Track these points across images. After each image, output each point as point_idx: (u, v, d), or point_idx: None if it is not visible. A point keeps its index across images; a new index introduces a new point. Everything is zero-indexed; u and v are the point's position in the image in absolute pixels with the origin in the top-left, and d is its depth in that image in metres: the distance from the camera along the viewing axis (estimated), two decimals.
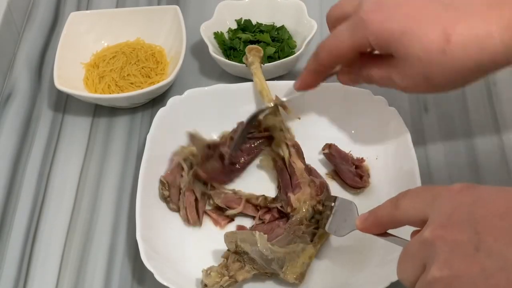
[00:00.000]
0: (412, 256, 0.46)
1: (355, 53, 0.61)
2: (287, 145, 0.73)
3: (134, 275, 0.69)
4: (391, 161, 0.74)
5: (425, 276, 0.44)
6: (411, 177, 0.69)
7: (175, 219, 0.72)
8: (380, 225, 0.54)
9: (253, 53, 0.80)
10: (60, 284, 0.69)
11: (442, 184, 0.73)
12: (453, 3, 0.56)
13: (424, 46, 0.56)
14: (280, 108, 0.75)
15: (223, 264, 0.64)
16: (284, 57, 0.84)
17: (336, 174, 0.75)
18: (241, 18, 0.89)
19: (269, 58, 0.84)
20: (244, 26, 0.89)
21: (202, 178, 0.73)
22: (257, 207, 0.72)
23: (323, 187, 0.71)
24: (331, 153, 0.75)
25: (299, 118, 0.77)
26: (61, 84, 0.80)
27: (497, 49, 0.54)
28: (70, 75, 0.84)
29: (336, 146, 0.75)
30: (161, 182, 0.72)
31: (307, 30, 0.85)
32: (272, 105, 0.74)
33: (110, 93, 0.83)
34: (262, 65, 0.80)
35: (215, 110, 0.78)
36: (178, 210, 0.72)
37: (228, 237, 0.64)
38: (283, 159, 0.74)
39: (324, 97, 0.77)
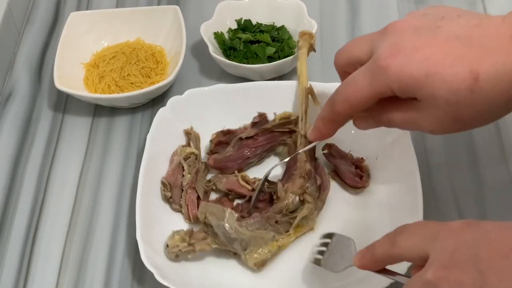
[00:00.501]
0: None
1: (375, 100, 0.58)
2: (301, 135, 0.73)
3: (134, 275, 0.69)
4: (391, 161, 0.73)
5: None
6: (411, 177, 0.69)
7: (175, 219, 0.72)
8: (377, 262, 0.54)
9: (304, 38, 0.80)
10: (60, 284, 0.69)
11: (442, 187, 0.74)
12: (472, 40, 0.53)
13: (451, 87, 0.52)
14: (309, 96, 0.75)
15: (189, 231, 0.67)
16: (284, 57, 0.84)
17: (336, 174, 0.75)
18: (241, 18, 0.89)
19: (269, 58, 0.84)
20: (244, 26, 0.89)
21: (211, 165, 0.74)
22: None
23: (310, 175, 0.71)
24: (331, 153, 0.75)
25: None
26: (61, 84, 0.80)
27: None
28: (70, 75, 0.84)
29: (336, 146, 0.75)
30: (162, 183, 0.72)
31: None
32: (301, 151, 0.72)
33: (110, 93, 0.83)
34: (313, 51, 0.81)
35: (215, 110, 0.78)
36: (181, 210, 0.72)
37: (201, 207, 0.67)
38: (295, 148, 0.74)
39: (322, 97, 0.77)
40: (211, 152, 0.76)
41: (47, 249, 0.71)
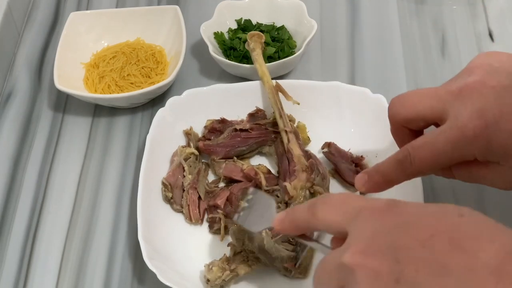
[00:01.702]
0: (330, 274, 0.44)
1: (448, 165, 0.56)
2: (286, 131, 0.73)
3: (134, 275, 0.69)
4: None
5: None
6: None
7: (176, 219, 0.72)
8: (296, 228, 0.52)
9: (254, 39, 0.81)
10: (60, 284, 0.69)
11: (442, 187, 0.74)
12: None
13: None
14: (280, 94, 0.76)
15: (224, 259, 0.65)
16: (284, 57, 0.84)
17: (336, 172, 0.75)
18: (241, 18, 0.89)
19: (269, 58, 0.84)
20: (244, 26, 0.89)
21: (200, 148, 0.74)
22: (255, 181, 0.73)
23: (313, 167, 0.71)
24: (330, 151, 0.75)
25: (299, 104, 0.77)
26: (61, 84, 0.80)
27: None
28: (70, 75, 0.84)
29: (335, 144, 0.75)
30: (163, 184, 0.72)
31: (307, 30, 0.85)
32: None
33: (110, 93, 0.83)
34: (263, 50, 0.81)
35: (214, 110, 0.78)
36: (182, 210, 0.72)
37: (235, 233, 0.64)
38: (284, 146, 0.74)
39: (322, 96, 0.77)
40: (203, 137, 0.76)
41: (47, 249, 0.71)
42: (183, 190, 0.72)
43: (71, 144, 0.81)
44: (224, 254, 0.65)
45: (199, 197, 0.72)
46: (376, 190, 0.60)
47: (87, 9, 0.96)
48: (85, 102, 0.83)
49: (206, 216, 0.72)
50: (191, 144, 0.75)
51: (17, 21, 0.93)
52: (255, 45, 0.80)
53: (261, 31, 0.87)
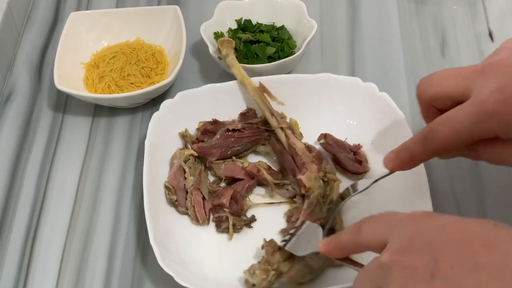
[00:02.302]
0: (369, 278, 0.46)
1: (473, 141, 0.57)
2: (281, 128, 0.73)
3: (134, 275, 0.69)
4: (388, 145, 0.74)
5: None
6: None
7: (182, 221, 0.71)
8: (341, 249, 0.54)
9: (225, 46, 0.80)
10: (60, 284, 0.69)
11: (442, 187, 0.74)
12: None
13: None
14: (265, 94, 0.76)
15: (265, 260, 0.64)
16: (284, 57, 0.84)
17: (336, 162, 0.75)
18: (241, 18, 0.89)
19: (269, 58, 0.84)
20: (244, 26, 0.89)
21: (195, 151, 0.74)
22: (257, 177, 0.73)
23: (320, 157, 0.72)
24: (327, 142, 0.75)
25: (283, 104, 0.77)
26: (61, 84, 0.80)
27: None
28: (70, 75, 0.84)
29: (331, 135, 0.76)
30: (166, 187, 0.72)
31: (307, 30, 0.85)
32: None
33: (110, 93, 0.83)
34: (235, 52, 0.81)
35: (208, 110, 0.78)
36: (187, 212, 0.72)
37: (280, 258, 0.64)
38: (281, 143, 0.74)
39: (312, 89, 0.78)
40: (197, 140, 0.76)
41: (47, 249, 0.71)
42: (186, 192, 0.72)
43: (71, 144, 0.81)
44: (263, 257, 0.65)
45: (203, 198, 0.72)
46: (403, 167, 0.61)
47: (87, 9, 0.96)
48: (85, 102, 0.83)
49: (211, 216, 0.72)
50: (189, 146, 0.75)
51: (17, 21, 0.93)
52: (227, 50, 0.80)
53: (261, 31, 0.87)
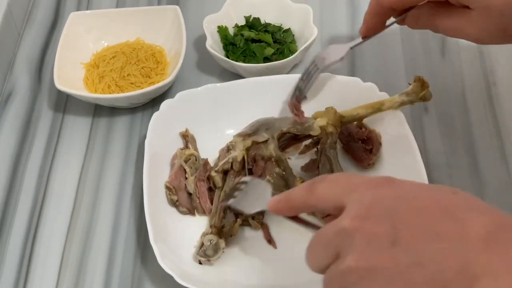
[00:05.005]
0: (326, 243, 0.45)
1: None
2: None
3: (134, 275, 0.69)
4: (389, 143, 0.75)
5: (338, 264, 0.43)
6: (406, 140, 0.72)
7: (184, 220, 0.72)
8: (292, 208, 0.52)
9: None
10: (60, 284, 0.69)
11: (442, 182, 0.74)
12: None
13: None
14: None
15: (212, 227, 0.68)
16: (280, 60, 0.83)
17: (347, 152, 0.77)
18: (250, 15, 0.89)
19: (266, 59, 0.84)
20: (252, 23, 0.88)
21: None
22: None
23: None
24: (342, 131, 0.75)
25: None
26: (61, 84, 0.80)
27: None
28: (70, 75, 0.84)
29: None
30: (167, 187, 0.72)
31: (309, 36, 0.84)
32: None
33: (110, 93, 0.83)
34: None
35: (208, 109, 0.78)
36: (188, 212, 0.72)
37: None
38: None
39: (316, 88, 0.78)
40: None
41: (47, 249, 0.71)
42: (187, 193, 0.72)
43: (71, 144, 0.81)
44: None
45: (209, 188, 0.72)
46: (367, 29, 0.67)
47: (87, 9, 0.96)
48: (85, 102, 0.83)
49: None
50: (190, 146, 0.75)
51: (17, 21, 0.93)
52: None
53: (267, 31, 0.87)
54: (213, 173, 0.71)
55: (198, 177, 0.72)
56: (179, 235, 0.70)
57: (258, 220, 0.70)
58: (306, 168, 0.74)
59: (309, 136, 0.74)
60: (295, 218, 0.53)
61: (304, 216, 0.53)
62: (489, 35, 0.58)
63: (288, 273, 0.66)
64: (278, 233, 0.70)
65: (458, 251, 0.40)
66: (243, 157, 0.71)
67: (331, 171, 0.71)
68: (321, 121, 0.73)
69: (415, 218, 0.42)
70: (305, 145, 0.76)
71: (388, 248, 0.41)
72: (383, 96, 0.76)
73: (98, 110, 0.84)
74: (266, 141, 0.72)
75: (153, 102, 0.84)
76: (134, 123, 0.83)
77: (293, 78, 0.79)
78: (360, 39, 0.72)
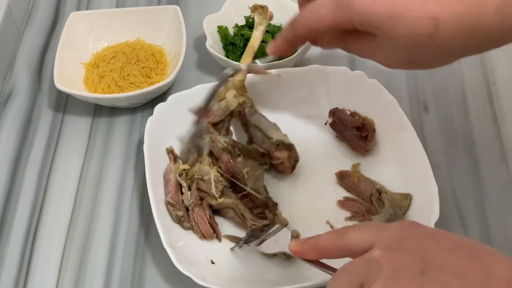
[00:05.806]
0: (353, 271, 0.46)
1: (335, 30, 0.60)
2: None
3: (134, 275, 0.69)
4: (383, 126, 0.75)
5: None
6: (405, 131, 0.73)
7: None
8: (319, 251, 0.53)
9: (258, 12, 0.79)
10: (60, 284, 0.69)
11: (442, 187, 0.74)
12: None
13: (412, 31, 0.54)
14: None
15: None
16: (278, 59, 0.83)
17: (343, 140, 0.78)
18: (251, 15, 0.89)
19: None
20: (252, 23, 0.88)
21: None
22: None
23: None
24: (335, 121, 0.77)
25: (279, 76, 0.78)
26: (61, 84, 0.80)
27: (487, 32, 0.53)
28: (70, 75, 0.84)
29: (340, 110, 0.78)
30: (169, 203, 0.70)
31: None
32: (244, 68, 0.75)
33: (110, 93, 0.83)
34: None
35: None
36: (192, 228, 0.70)
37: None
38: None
39: (305, 81, 0.79)
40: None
41: (47, 249, 0.71)
42: (186, 208, 0.71)
43: (71, 144, 0.81)
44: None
45: (210, 213, 0.71)
46: (282, 52, 0.66)
47: (87, 9, 0.96)
48: (85, 102, 0.83)
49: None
50: (178, 161, 0.73)
51: (17, 21, 0.93)
52: (261, 20, 0.78)
53: (267, 31, 0.87)
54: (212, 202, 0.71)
55: (194, 203, 0.70)
56: (187, 237, 0.69)
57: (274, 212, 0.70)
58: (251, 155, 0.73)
59: (231, 115, 0.75)
60: (317, 262, 0.55)
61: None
62: (398, 62, 0.58)
63: (300, 275, 0.66)
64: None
65: (481, 286, 0.42)
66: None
67: (266, 136, 0.73)
68: (230, 94, 0.74)
69: (443, 255, 0.44)
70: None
71: (416, 276, 0.43)
72: (373, 82, 0.77)
73: (98, 110, 0.84)
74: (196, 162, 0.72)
75: (153, 102, 0.84)
76: (134, 123, 0.83)
77: (293, 78, 0.79)
78: (269, 57, 0.71)
